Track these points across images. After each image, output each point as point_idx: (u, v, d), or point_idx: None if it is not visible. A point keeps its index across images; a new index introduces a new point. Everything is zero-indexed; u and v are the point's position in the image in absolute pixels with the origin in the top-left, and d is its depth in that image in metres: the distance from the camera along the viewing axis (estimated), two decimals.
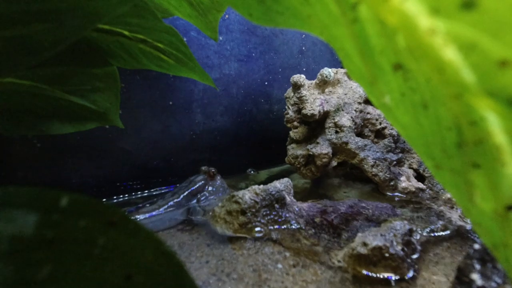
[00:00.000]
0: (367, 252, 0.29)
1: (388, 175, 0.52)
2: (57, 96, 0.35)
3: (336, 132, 0.57)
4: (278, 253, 0.34)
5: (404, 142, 0.58)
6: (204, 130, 0.65)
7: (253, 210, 0.39)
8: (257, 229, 0.38)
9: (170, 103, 0.60)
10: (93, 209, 0.12)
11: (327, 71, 0.57)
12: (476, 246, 0.28)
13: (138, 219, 0.42)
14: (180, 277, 0.12)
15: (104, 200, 0.55)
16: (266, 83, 0.74)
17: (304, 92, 0.57)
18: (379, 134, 0.60)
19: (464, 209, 0.12)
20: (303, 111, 0.57)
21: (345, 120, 0.57)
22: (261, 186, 0.42)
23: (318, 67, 0.76)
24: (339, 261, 0.32)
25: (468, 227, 0.39)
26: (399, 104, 0.12)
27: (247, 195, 0.40)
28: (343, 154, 0.56)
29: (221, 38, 0.64)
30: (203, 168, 0.54)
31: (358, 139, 0.55)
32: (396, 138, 0.58)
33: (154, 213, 0.44)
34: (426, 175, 0.54)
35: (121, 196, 0.57)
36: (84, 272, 0.11)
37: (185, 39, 0.41)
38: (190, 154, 0.64)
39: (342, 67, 0.67)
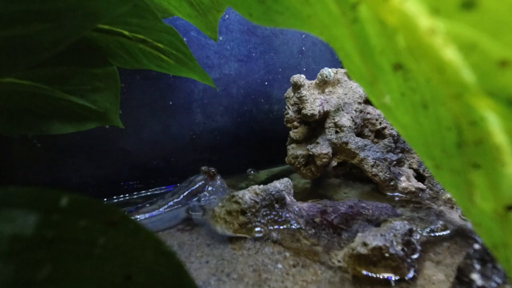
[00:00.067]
0: (367, 252, 0.29)
1: (388, 175, 0.52)
2: (57, 96, 0.35)
3: (336, 132, 0.57)
4: (278, 253, 0.34)
5: (404, 142, 0.58)
6: (204, 130, 0.65)
7: (253, 210, 0.39)
8: (257, 229, 0.38)
9: (170, 103, 0.60)
10: (93, 209, 0.12)
11: (327, 71, 0.57)
12: (476, 246, 0.28)
13: (138, 219, 0.42)
14: (180, 277, 0.12)
15: (104, 200, 0.55)
16: (266, 83, 0.74)
17: (304, 92, 0.58)
18: (379, 134, 0.60)
19: (464, 209, 0.12)
20: (303, 111, 0.57)
21: (345, 120, 0.57)
22: (261, 186, 0.42)
23: (318, 67, 0.76)
24: (339, 261, 0.32)
25: (468, 227, 0.39)
26: (399, 104, 0.12)
27: (247, 195, 0.40)
28: (343, 154, 0.56)
29: (221, 38, 0.64)
30: (203, 168, 0.54)
31: (358, 139, 0.55)
32: (396, 138, 0.58)
33: (154, 213, 0.44)
34: (426, 175, 0.54)
35: (121, 196, 0.57)
36: (84, 272, 0.11)
37: (185, 39, 0.41)
38: (190, 154, 0.64)
39: (342, 67, 0.67)
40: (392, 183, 0.52)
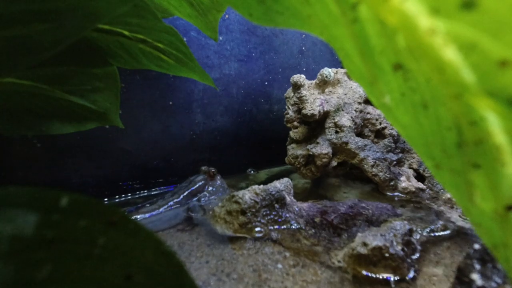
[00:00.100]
0: (367, 252, 0.29)
1: (388, 175, 0.52)
2: (57, 96, 0.35)
3: (336, 132, 0.57)
4: (278, 253, 0.34)
5: (404, 142, 0.58)
6: (204, 130, 0.65)
7: (253, 210, 0.39)
8: (257, 229, 0.38)
9: (170, 103, 0.60)
10: (93, 209, 0.12)
11: (327, 71, 0.57)
12: (476, 246, 0.28)
13: (138, 219, 0.42)
14: (180, 277, 0.12)
15: (104, 200, 0.55)
16: (266, 83, 0.74)
17: (304, 92, 0.57)
18: (379, 134, 0.60)
19: (464, 209, 0.12)
20: (303, 111, 0.57)
21: (345, 120, 0.57)
22: (261, 186, 0.42)
23: (318, 67, 0.76)
24: (339, 261, 0.32)
25: (468, 227, 0.39)
26: (399, 104, 0.12)
27: (247, 195, 0.40)
28: (343, 154, 0.56)
29: (221, 38, 0.64)
30: (203, 168, 0.54)
31: (358, 139, 0.55)
32: (396, 138, 0.58)
33: (154, 213, 0.44)
34: (426, 175, 0.54)
35: (121, 196, 0.57)
36: (84, 272, 0.11)
37: (185, 39, 0.41)
38: (190, 154, 0.64)
39: (342, 67, 0.67)
40: (392, 183, 0.52)
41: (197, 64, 0.40)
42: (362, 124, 0.60)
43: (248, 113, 0.72)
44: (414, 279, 0.29)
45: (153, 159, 0.60)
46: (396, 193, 0.52)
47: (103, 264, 0.11)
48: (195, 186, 0.50)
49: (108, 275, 0.11)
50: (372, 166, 0.52)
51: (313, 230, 0.38)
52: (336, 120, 0.57)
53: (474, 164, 0.10)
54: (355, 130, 0.58)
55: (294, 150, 0.61)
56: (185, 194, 0.49)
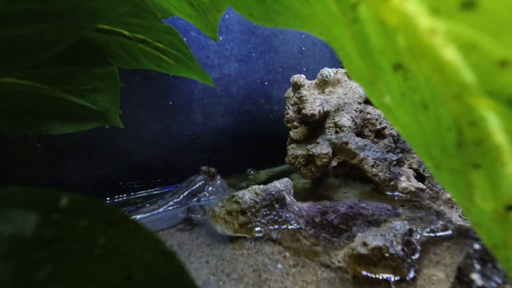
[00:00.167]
0: (367, 252, 0.29)
1: (388, 175, 0.52)
2: (57, 96, 0.35)
3: (336, 132, 0.57)
4: (278, 253, 0.34)
5: (404, 142, 0.58)
6: (204, 130, 0.65)
7: (253, 210, 0.39)
8: (257, 229, 0.38)
9: (170, 103, 0.60)
10: (93, 209, 0.12)
11: (327, 71, 0.57)
12: (476, 246, 0.28)
13: (138, 219, 0.42)
14: (180, 277, 0.12)
15: (104, 200, 0.55)
16: (266, 83, 0.74)
17: (304, 92, 0.57)
18: (379, 134, 0.60)
19: (464, 209, 0.12)
20: (303, 111, 0.57)
21: (345, 120, 0.57)
22: (261, 186, 0.42)
23: (318, 67, 0.76)
24: (339, 261, 0.32)
25: (468, 227, 0.39)
26: (399, 104, 0.12)
27: (247, 195, 0.40)
28: (343, 154, 0.56)
29: (221, 38, 0.64)
30: (203, 168, 0.54)
31: (358, 139, 0.55)
32: (396, 138, 0.58)
33: (154, 213, 0.44)
34: (426, 175, 0.54)
35: (121, 196, 0.57)
36: (84, 272, 0.11)
37: (185, 39, 0.41)
38: (190, 154, 0.64)
39: (342, 67, 0.67)
40: (392, 183, 0.52)
41: (197, 64, 0.40)
42: (362, 124, 0.60)
43: (248, 113, 0.72)
44: (414, 279, 0.29)
45: (153, 159, 0.60)
46: (396, 193, 0.52)
47: (103, 264, 0.11)
48: (195, 186, 0.50)
49: (108, 275, 0.11)
50: (372, 166, 0.52)
51: (313, 230, 0.38)
52: (336, 120, 0.57)
53: (474, 164, 0.10)
54: (355, 130, 0.58)
55: (294, 150, 0.61)
56: (185, 194, 0.49)
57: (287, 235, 0.37)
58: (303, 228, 0.39)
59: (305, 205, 0.43)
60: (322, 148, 0.55)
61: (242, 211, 0.39)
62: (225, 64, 0.66)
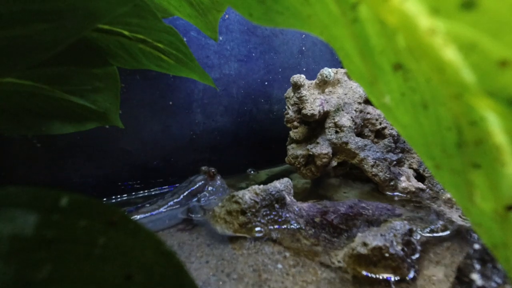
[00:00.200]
0: (367, 252, 0.29)
1: (388, 175, 0.52)
2: (57, 96, 0.35)
3: (336, 132, 0.57)
4: (278, 253, 0.34)
5: (404, 142, 0.58)
6: (204, 130, 0.65)
7: (253, 210, 0.39)
8: (257, 229, 0.38)
9: (170, 103, 0.60)
10: (93, 209, 0.12)
11: (327, 71, 0.57)
12: (476, 246, 0.28)
13: (138, 219, 0.42)
14: (180, 277, 0.12)
15: (104, 200, 0.55)
16: (266, 83, 0.74)
17: (304, 92, 0.57)
18: (379, 134, 0.60)
19: (464, 209, 0.12)
20: (303, 111, 0.57)
21: (345, 120, 0.57)
22: (261, 186, 0.42)
23: (318, 67, 0.76)
24: (339, 261, 0.32)
25: (468, 227, 0.39)
26: (399, 104, 0.12)
27: (247, 195, 0.40)
28: (343, 154, 0.56)
29: (221, 38, 0.64)
30: (203, 168, 0.54)
31: (358, 139, 0.55)
32: (396, 138, 0.58)
33: (154, 213, 0.44)
34: (426, 175, 0.54)
35: (121, 196, 0.57)
36: (84, 272, 0.11)
37: (185, 39, 0.41)
38: (190, 154, 0.64)
39: (342, 67, 0.67)
40: (392, 183, 0.52)
41: (197, 64, 0.40)
42: (362, 124, 0.60)
43: (248, 113, 0.72)
44: (414, 279, 0.29)
45: (153, 159, 0.60)
46: (396, 193, 0.52)
47: (103, 264, 0.11)
48: (195, 186, 0.50)
49: (108, 275, 0.11)
50: (372, 166, 0.52)
51: (313, 230, 0.38)
52: (336, 120, 0.57)
53: (474, 164, 0.10)
54: (355, 130, 0.58)
55: (294, 150, 0.61)
56: (185, 194, 0.49)
57: (287, 235, 0.37)
58: (303, 228, 0.39)
59: (305, 205, 0.43)
60: (322, 148, 0.55)
61: (242, 211, 0.39)
62: (225, 64, 0.66)
